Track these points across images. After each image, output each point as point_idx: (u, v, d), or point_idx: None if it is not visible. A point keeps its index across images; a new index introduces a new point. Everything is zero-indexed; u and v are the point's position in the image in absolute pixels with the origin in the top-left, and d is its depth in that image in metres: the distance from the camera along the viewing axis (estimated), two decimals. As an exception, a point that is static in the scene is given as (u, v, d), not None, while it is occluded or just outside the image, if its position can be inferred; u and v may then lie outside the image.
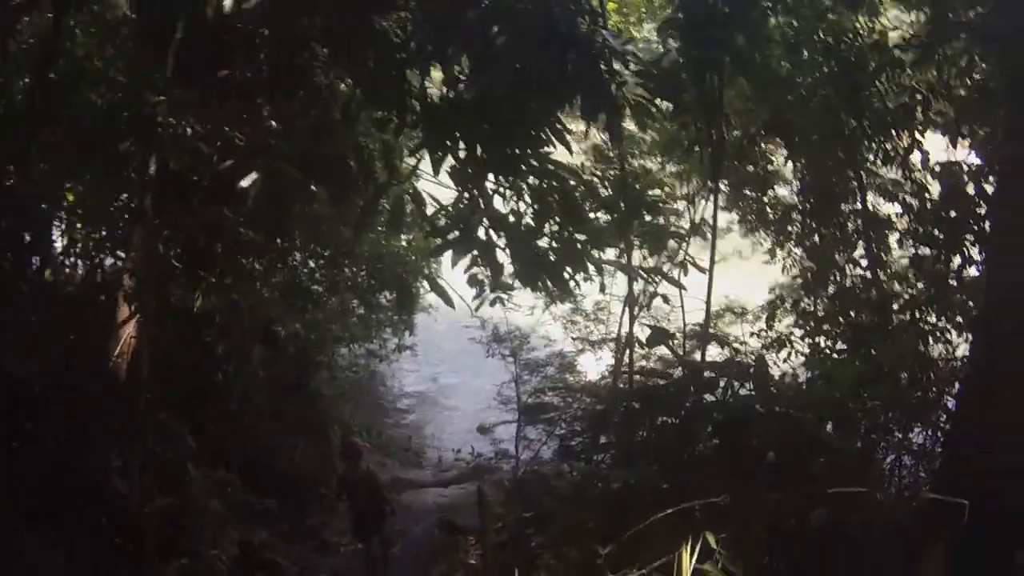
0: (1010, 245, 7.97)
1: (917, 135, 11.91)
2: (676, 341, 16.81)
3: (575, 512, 8.32)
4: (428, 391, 24.82)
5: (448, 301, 9.48)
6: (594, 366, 20.01)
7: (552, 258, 8.28)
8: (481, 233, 8.12)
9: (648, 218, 14.12)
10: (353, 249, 16.49)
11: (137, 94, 8.77)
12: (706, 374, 8.20)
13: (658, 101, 9.05)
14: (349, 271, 17.55)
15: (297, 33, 7.95)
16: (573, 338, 19.90)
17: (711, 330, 14.84)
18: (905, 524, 8.06)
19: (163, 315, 9.95)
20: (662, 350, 17.99)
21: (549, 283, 8.32)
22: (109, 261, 12.50)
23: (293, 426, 15.40)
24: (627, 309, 17.24)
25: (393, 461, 20.08)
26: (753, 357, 8.70)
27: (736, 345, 12.79)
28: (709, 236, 16.97)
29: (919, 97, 11.64)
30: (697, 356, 14.58)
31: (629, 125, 13.42)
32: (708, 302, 12.39)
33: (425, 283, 19.32)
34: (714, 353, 14.80)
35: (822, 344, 12.82)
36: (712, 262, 12.21)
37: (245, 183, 8.02)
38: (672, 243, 15.49)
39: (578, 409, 18.18)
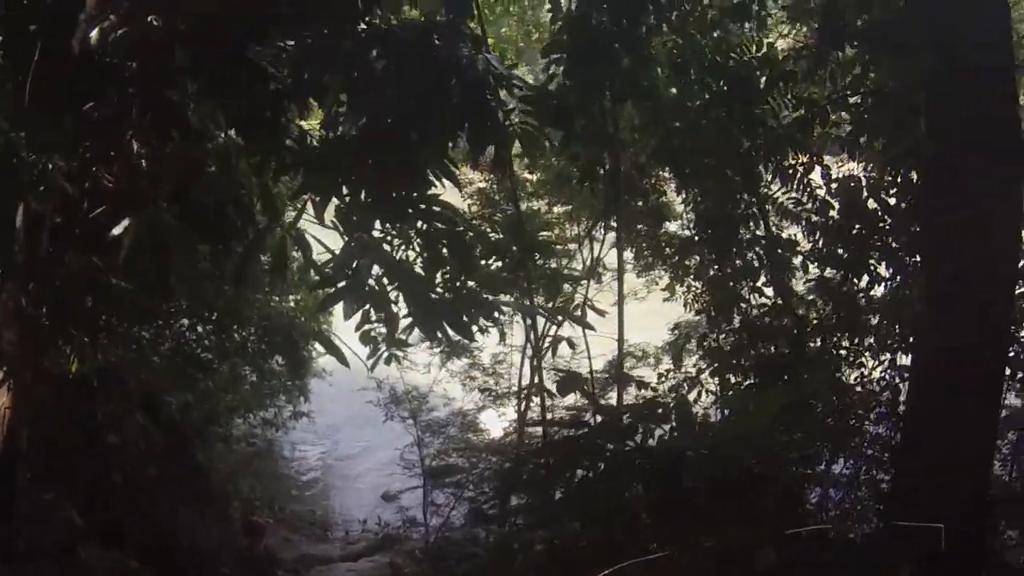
0: (947, 249, 7.54)
1: (815, 150, 11.63)
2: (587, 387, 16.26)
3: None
4: (328, 460, 23.82)
5: (343, 360, 8.82)
6: (497, 422, 19.29)
7: (450, 304, 7.66)
8: (372, 282, 7.48)
9: (541, 262, 13.67)
10: (240, 310, 15.74)
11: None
12: (625, 419, 7.62)
13: (547, 131, 8.70)
14: (238, 335, 16.86)
15: (165, 65, 7.25)
16: (480, 390, 19.02)
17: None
18: (864, 557, 7.59)
19: (37, 381, 9.00)
20: (569, 398, 17.46)
21: (449, 331, 7.71)
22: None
23: (183, 499, 14.36)
24: (529, 358, 16.78)
25: (299, 536, 19.16)
26: (671, 398, 8.19)
27: (652, 386, 12.22)
28: (604, 278, 16.81)
29: (815, 110, 11.38)
30: (610, 401, 14.09)
31: (516, 163, 12.99)
32: (620, 340, 11.93)
33: (317, 345, 18.89)
34: (627, 397, 14.24)
35: (732, 380, 12.42)
36: (621, 298, 11.78)
37: (117, 231, 7.25)
38: (567, 287, 14.97)
39: (485, 469, 17.54)
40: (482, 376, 18.88)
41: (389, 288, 7.67)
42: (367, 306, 8.16)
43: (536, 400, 16.31)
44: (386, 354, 9.22)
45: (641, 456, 7.31)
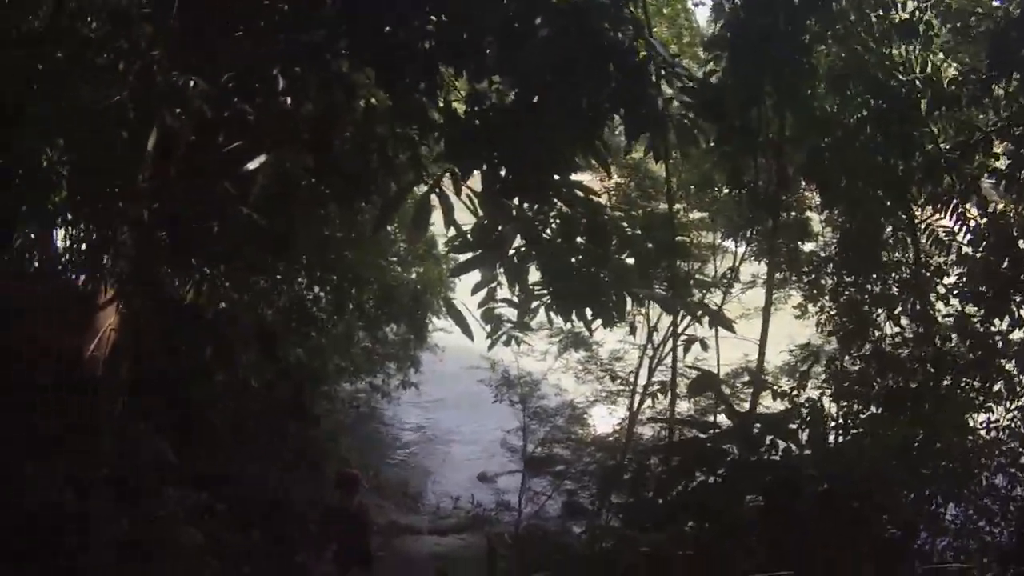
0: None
1: (973, 180, 11.10)
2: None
3: (595, 576, 7.43)
4: (429, 433, 23.89)
5: (467, 331, 8.63)
6: (606, 419, 19.00)
7: (591, 285, 7.42)
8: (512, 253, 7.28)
9: (677, 264, 13.40)
10: (361, 273, 15.76)
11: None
12: (755, 427, 7.27)
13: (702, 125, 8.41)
14: (356, 299, 16.85)
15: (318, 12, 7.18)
16: (596, 383, 18.78)
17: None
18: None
19: (148, 307, 8.97)
20: (684, 405, 17.14)
21: (585, 313, 7.47)
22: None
23: (286, 453, 14.35)
24: (649, 357, 16.52)
25: (389, 503, 19.04)
26: (805, 413, 7.80)
27: (791, 396, 11.80)
28: (734, 290, 16.43)
29: (978, 137, 10.85)
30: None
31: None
32: (763, 344, 11.54)
33: (434, 319, 18.95)
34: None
35: (856, 407, 11.98)
36: (768, 303, 11.45)
37: (252, 165, 7.17)
38: (697, 292, 14.64)
39: (589, 463, 17.32)
40: (598, 371, 18.56)
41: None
42: (495, 283, 7.91)
43: (649, 401, 16.05)
44: (508, 334, 8.84)
45: (765, 468, 6.98)
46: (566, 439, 18.50)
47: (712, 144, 10.11)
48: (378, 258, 17.05)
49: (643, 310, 16.35)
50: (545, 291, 7.58)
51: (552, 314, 8.30)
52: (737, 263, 15.66)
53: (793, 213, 14.06)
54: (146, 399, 9.33)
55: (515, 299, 9.20)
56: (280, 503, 13.21)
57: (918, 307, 11.92)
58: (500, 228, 7.16)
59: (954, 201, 11.06)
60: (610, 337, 17.18)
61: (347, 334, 17.78)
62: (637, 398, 17.07)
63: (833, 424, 12.23)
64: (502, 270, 7.35)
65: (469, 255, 7.41)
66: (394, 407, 22.68)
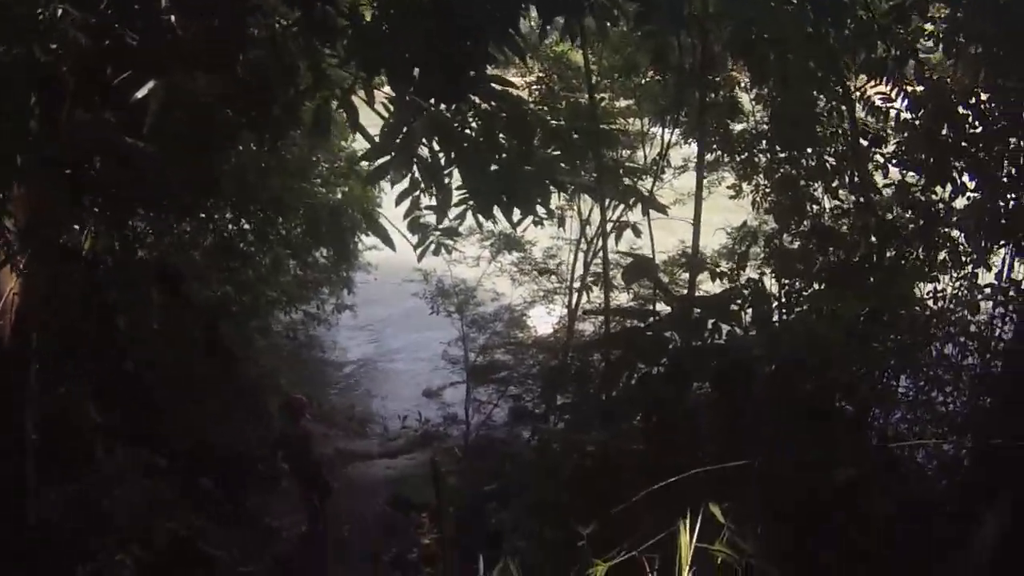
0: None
1: (909, 44, 10.65)
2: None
3: (543, 484, 7.04)
4: (370, 355, 23.55)
5: (390, 244, 8.20)
6: (546, 319, 18.67)
7: (510, 179, 6.94)
8: (426, 153, 6.75)
9: (604, 153, 12.89)
10: (283, 198, 15.14)
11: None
12: (696, 312, 6.86)
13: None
14: (282, 226, 16.44)
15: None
16: (531, 282, 18.40)
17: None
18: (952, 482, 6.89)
19: (49, 261, 8.31)
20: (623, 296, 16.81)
21: (511, 212, 7.01)
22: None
23: (214, 393, 13.82)
24: (583, 251, 16.12)
25: (337, 431, 18.80)
26: (746, 292, 7.40)
27: (731, 276, 11.44)
28: (666, 175, 16.02)
29: (914, -1, 10.38)
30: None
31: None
32: (696, 224, 11.13)
33: (363, 237, 18.37)
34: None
35: (798, 285, 11.65)
36: (699, 183, 11.05)
37: (141, 93, 6.50)
38: (627, 180, 14.15)
39: (532, 366, 17.01)
40: (533, 271, 18.18)
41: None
42: (417, 192, 7.52)
43: (586, 296, 15.72)
44: (435, 244, 8.64)
45: (710, 353, 6.58)
46: (507, 344, 18.15)
47: (633, 24, 9.63)
48: (300, 181, 16.47)
49: (573, 203, 15.93)
50: (466, 191, 7.09)
51: (479, 216, 8.02)
52: (666, 148, 15.14)
53: (722, 92, 13.54)
54: (62, 362, 8.72)
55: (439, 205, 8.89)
56: (222, 448, 12.80)
57: (856, 179, 11.54)
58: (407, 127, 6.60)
59: (889, 66, 10.63)
60: (543, 235, 16.80)
61: (275, 263, 17.17)
62: (575, 295, 16.74)
63: (776, 304, 11.98)
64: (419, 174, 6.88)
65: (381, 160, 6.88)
66: (333, 333, 22.14)
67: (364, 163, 16.05)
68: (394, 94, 6.99)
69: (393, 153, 6.68)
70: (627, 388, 6.88)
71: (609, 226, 13.65)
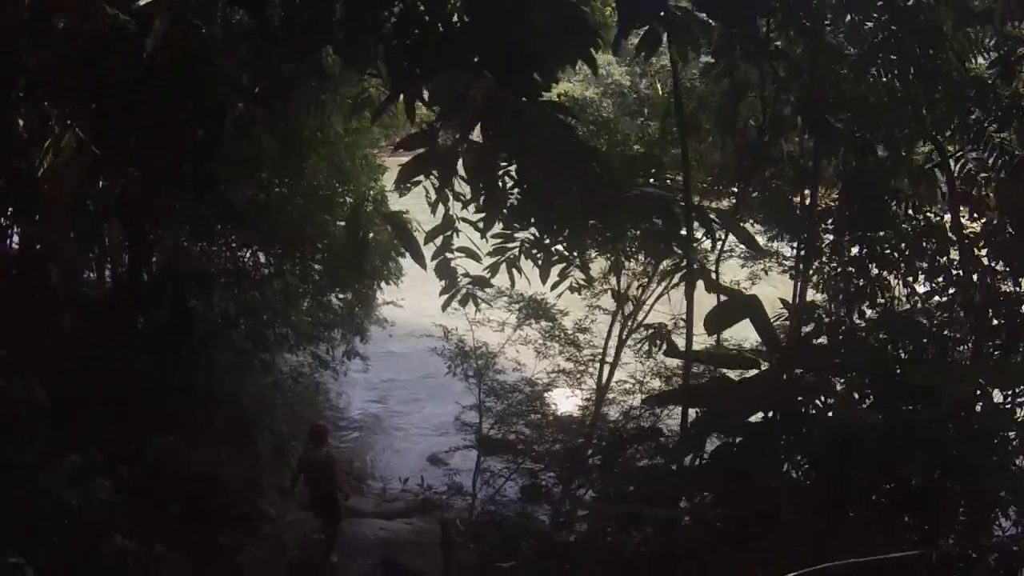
0: None
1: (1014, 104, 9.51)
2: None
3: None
4: (375, 411, 22.40)
5: (418, 254, 7.04)
6: (569, 396, 17.21)
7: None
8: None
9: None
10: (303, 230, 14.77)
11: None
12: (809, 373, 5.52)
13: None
14: (298, 260, 16.09)
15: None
16: (561, 359, 16.86)
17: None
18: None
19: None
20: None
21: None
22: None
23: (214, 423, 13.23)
24: (620, 321, 14.96)
25: (331, 482, 17.41)
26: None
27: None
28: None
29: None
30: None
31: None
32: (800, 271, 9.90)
33: (382, 285, 17.38)
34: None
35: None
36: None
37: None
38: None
39: (553, 442, 15.62)
40: (562, 340, 16.60)
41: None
42: (450, 232, 7.36)
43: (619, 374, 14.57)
44: (464, 291, 8.25)
45: (811, 420, 5.28)
46: (525, 415, 16.64)
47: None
48: (324, 213, 15.56)
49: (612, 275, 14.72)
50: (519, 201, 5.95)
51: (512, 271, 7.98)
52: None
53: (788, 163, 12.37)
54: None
55: (475, 248, 8.08)
56: (202, 476, 11.76)
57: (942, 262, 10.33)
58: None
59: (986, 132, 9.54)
60: (574, 305, 15.62)
61: (288, 295, 16.53)
62: (606, 370, 15.53)
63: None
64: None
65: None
66: (340, 384, 21.21)
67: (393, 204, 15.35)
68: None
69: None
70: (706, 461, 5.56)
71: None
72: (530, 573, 7.15)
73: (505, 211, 6.53)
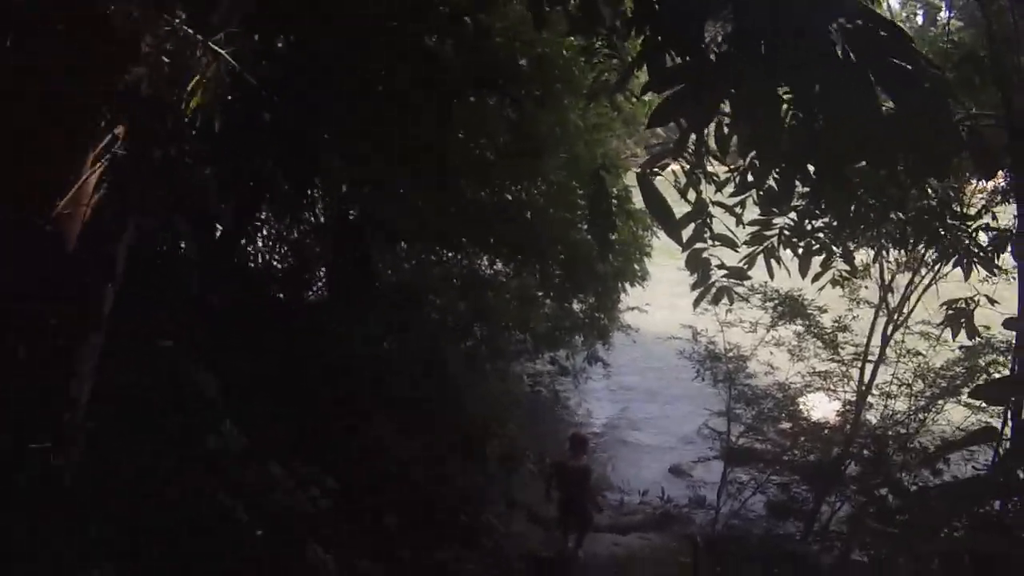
0: None
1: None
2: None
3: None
4: (615, 420, 21.47)
5: (671, 223, 6.05)
6: (825, 402, 15.67)
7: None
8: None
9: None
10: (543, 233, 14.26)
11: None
12: None
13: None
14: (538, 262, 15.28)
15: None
16: (816, 361, 15.25)
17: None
18: None
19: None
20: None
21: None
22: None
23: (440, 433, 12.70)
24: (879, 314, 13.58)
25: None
26: None
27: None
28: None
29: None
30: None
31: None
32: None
33: (626, 287, 16.61)
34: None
35: None
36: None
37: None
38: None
39: (808, 453, 14.28)
40: (819, 339, 14.95)
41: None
42: (705, 215, 7.09)
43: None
44: (717, 286, 7.61)
45: None
46: (777, 423, 15.23)
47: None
48: (563, 212, 14.84)
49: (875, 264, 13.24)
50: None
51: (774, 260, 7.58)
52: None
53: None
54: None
55: (732, 235, 7.40)
56: (421, 486, 11.18)
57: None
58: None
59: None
60: (832, 301, 14.45)
61: (525, 301, 16.11)
62: (868, 369, 14.05)
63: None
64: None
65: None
66: (579, 393, 20.96)
67: (636, 203, 14.56)
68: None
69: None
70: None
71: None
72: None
73: (775, 177, 5.42)
